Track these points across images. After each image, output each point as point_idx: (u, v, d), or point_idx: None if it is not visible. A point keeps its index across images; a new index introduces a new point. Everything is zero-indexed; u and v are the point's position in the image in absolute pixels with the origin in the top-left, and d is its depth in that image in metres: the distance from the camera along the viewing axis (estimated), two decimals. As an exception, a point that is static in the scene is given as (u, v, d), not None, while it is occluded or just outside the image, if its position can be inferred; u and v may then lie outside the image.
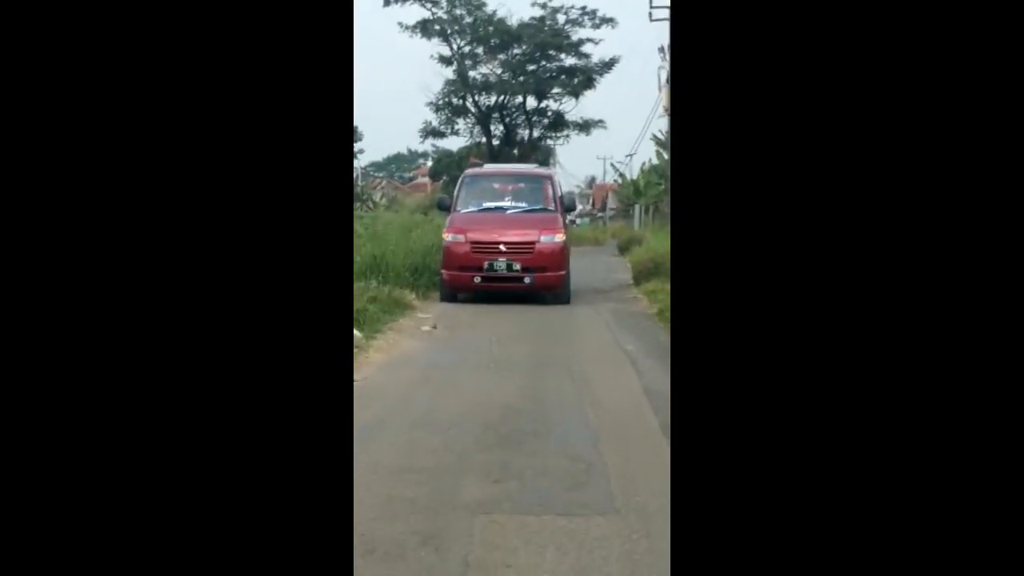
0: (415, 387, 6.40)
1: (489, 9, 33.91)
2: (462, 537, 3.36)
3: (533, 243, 11.31)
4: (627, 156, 46.52)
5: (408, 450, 4.66)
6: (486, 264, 11.24)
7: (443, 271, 11.60)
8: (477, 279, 11.28)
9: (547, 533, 3.40)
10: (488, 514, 3.63)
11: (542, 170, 14.67)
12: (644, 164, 38.54)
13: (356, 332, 8.20)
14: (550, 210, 12.06)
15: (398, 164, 74.88)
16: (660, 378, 6.38)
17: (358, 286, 10.07)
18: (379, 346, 8.15)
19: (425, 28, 34.04)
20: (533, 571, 3.05)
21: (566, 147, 35.99)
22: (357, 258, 11.46)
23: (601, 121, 35.74)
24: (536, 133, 35.67)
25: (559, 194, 12.48)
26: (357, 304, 9.08)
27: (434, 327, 9.34)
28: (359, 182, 48.00)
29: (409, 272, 12.26)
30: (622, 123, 60.34)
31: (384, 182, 64.07)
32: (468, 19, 34.10)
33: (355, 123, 43.30)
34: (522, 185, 12.63)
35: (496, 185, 12.75)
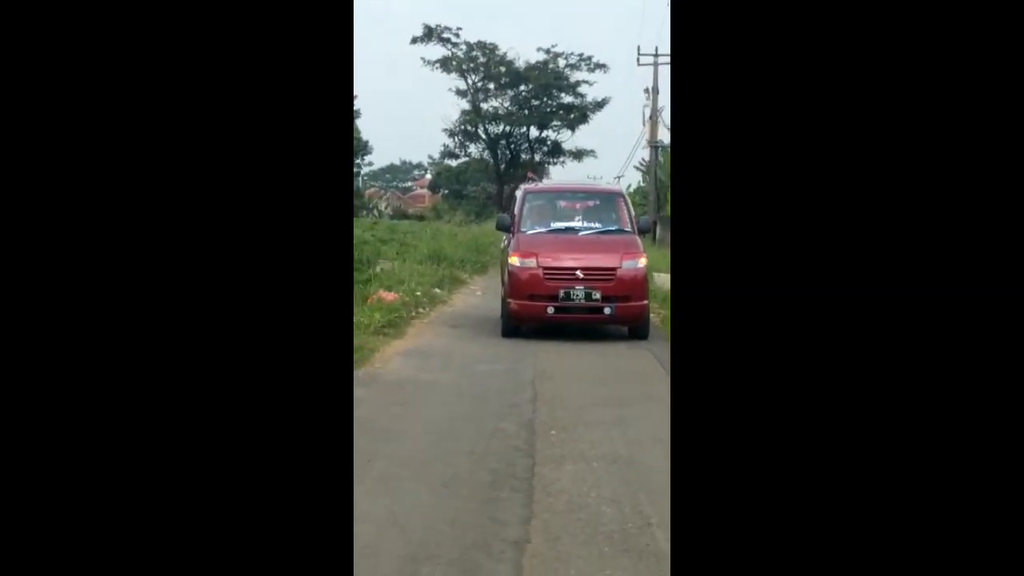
0: (485, 308, 12.30)
1: (501, 51, 39.96)
2: (535, 342, 9.12)
3: (614, 269, 9.47)
4: (615, 178, 52.35)
5: (491, 321, 10.61)
6: (561, 293, 9.36)
7: (510, 300, 9.67)
8: (550, 310, 9.41)
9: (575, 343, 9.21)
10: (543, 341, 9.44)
11: (611, 187, 12.47)
12: (629, 186, 44.28)
13: (439, 290, 13.92)
14: (627, 231, 10.21)
15: (393, 174, 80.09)
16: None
17: (431, 268, 15.82)
18: (456, 297, 14.12)
19: (445, 64, 39.98)
20: (567, 357, 8.82)
21: (561, 169, 41.54)
22: (425, 251, 17.17)
23: (592, 151, 41.69)
24: (537, 158, 41.48)
25: (633, 214, 10.65)
26: (436, 277, 14.83)
27: (481, 293, 15.13)
28: (363, 192, 53.62)
29: (460, 260, 18.04)
30: (610, 151, 65.98)
31: (387, 192, 69.49)
32: (482, 59, 40.06)
33: (367, 138, 48.88)
34: (592, 203, 10.76)
35: (562, 203, 10.85)
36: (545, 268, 9.55)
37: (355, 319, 8.93)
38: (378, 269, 14.97)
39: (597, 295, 9.42)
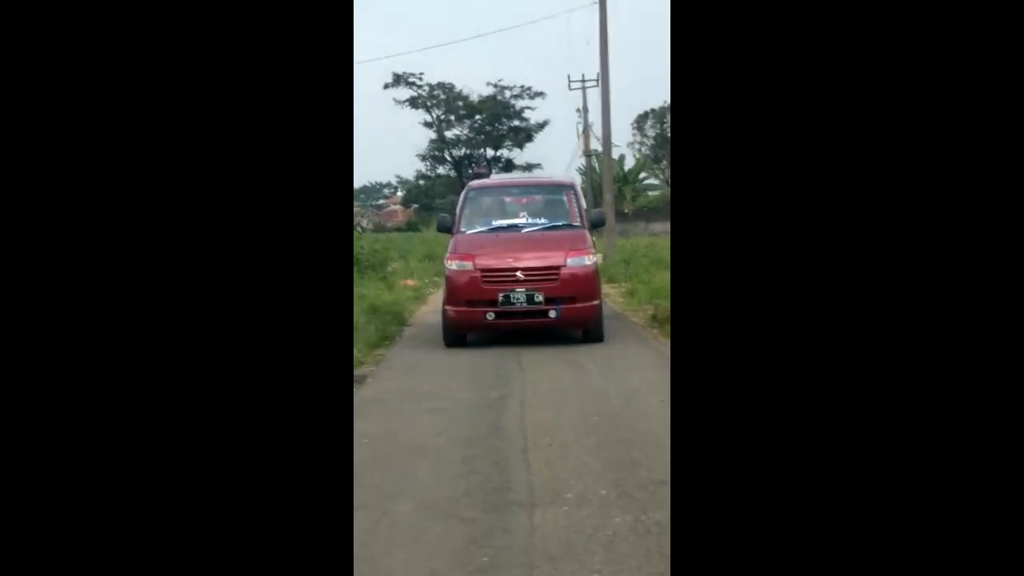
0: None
1: (457, 89, 43.79)
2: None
3: (558, 268, 8.04)
4: (559, 184, 56.27)
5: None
6: (500, 297, 7.98)
7: (447, 307, 8.31)
8: (490, 315, 8.02)
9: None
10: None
11: (561, 178, 10.73)
12: (572, 190, 48.19)
13: (439, 278, 17.55)
14: (575, 226, 8.68)
15: (367, 194, 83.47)
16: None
17: (428, 265, 19.55)
18: (452, 282, 17.82)
19: (413, 102, 43.73)
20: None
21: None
22: (420, 253, 20.88)
23: (539, 164, 45.60)
24: (494, 173, 45.32)
25: (584, 206, 9.11)
26: (435, 269, 18.50)
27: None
28: (347, 211, 56.93)
29: (447, 258, 21.88)
30: (554, 162, 70.08)
31: (366, 210, 72.86)
32: (443, 96, 43.87)
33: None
34: (538, 197, 9.22)
35: (507, 199, 9.32)
36: (483, 270, 8.05)
37: (397, 295, 12.66)
38: (390, 268, 18.72)
39: (540, 297, 7.95)
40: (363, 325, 8.74)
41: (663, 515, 3.28)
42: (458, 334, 8.34)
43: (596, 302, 8.17)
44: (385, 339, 8.87)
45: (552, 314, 8.00)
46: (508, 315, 8.03)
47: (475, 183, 9.91)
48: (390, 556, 3.12)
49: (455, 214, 9.07)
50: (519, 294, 8.01)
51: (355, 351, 7.50)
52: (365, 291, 12.39)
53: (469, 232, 8.70)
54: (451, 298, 8.27)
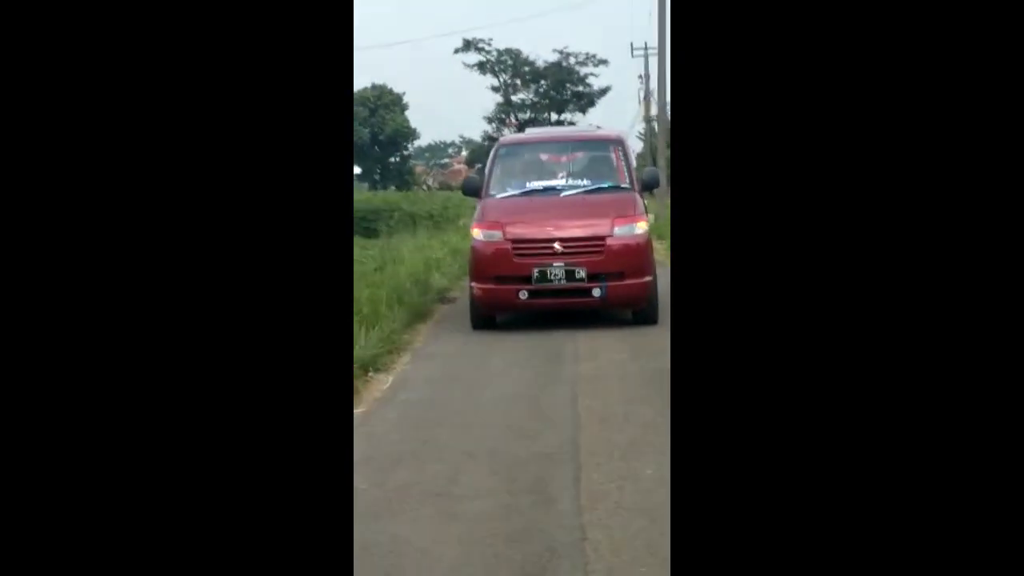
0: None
1: (524, 55, 45.68)
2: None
3: (603, 239, 6.81)
4: (620, 149, 57.68)
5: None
6: (535, 272, 6.74)
7: (472, 284, 7.09)
8: (523, 294, 6.79)
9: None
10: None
11: (607, 132, 8.83)
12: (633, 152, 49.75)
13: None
14: (624, 188, 7.40)
15: (432, 153, 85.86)
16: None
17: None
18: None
19: (482, 67, 45.78)
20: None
21: (576, 145, 46.92)
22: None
23: (600, 128, 47.39)
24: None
25: (634, 165, 7.84)
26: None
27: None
28: (413, 169, 59.70)
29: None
30: (615, 127, 71.60)
31: (432, 169, 75.35)
32: (510, 62, 45.80)
33: (413, 125, 54.82)
34: (580, 154, 7.85)
35: (544, 156, 8.01)
36: (514, 241, 6.88)
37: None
38: (461, 223, 20.92)
39: (582, 273, 6.75)
40: (448, 263, 10.93)
41: (663, 364, 5.32)
42: (485, 316, 7.07)
43: (648, 278, 6.84)
44: (466, 274, 11.04)
45: (596, 293, 6.76)
46: (544, 294, 6.81)
47: (506, 138, 8.67)
48: (490, 383, 5.34)
49: (484, 174, 7.79)
50: (557, 269, 6.75)
51: (444, 281, 9.65)
52: (447, 238, 14.63)
53: (499, 196, 7.40)
54: (477, 274, 6.99)
